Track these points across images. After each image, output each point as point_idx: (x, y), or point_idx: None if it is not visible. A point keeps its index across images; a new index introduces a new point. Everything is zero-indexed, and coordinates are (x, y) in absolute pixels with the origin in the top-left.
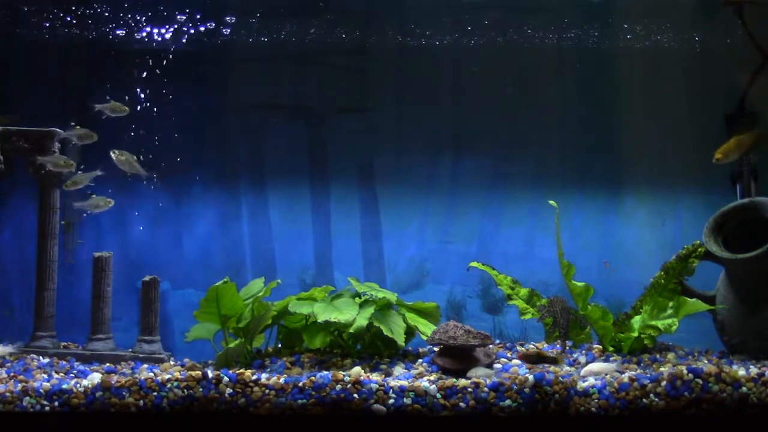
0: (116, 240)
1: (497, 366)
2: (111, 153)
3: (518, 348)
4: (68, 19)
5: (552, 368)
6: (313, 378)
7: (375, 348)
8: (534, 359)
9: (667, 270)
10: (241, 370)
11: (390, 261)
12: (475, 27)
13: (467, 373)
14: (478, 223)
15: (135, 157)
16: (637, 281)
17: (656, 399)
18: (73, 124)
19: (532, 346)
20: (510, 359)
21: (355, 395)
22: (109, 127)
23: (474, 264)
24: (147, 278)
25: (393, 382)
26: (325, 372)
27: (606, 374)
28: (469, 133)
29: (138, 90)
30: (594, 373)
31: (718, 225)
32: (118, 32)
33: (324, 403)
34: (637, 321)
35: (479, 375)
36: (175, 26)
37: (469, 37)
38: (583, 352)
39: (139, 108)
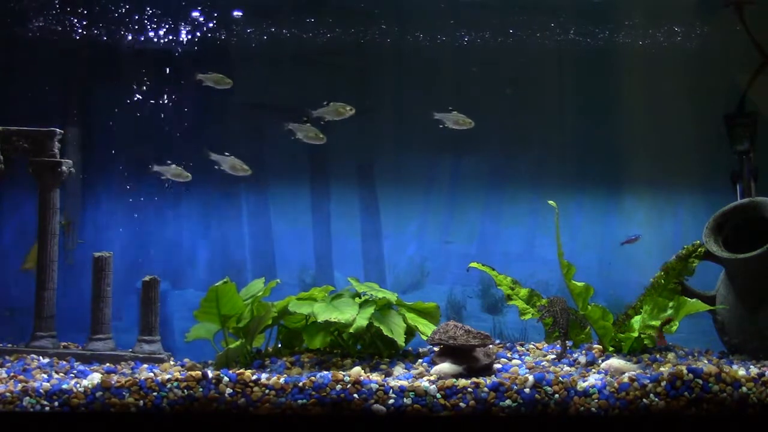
0: (116, 240)
1: (497, 366)
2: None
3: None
4: (67, 17)
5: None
6: (313, 378)
7: (375, 348)
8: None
9: (667, 270)
10: (241, 370)
11: (390, 261)
12: (476, 27)
13: (431, 370)
14: (478, 223)
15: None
16: (637, 281)
17: (656, 399)
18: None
19: (531, 345)
20: (510, 359)
21: (355, 395)
22: (109, 128)
23: (474, 264)
24: (147, 278)
25: (393, 382)
26: (325, 372)
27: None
28: (469, 132)
29: (136, 89)
30: (615, 368)
31: (718, 225)
32: (118, 32)
33: (324, 403)
34: (637, 321)
35: (442, 371)
36: (174, 25)
37: (469, 36)
38: (583, 352)
39: (138, 107)
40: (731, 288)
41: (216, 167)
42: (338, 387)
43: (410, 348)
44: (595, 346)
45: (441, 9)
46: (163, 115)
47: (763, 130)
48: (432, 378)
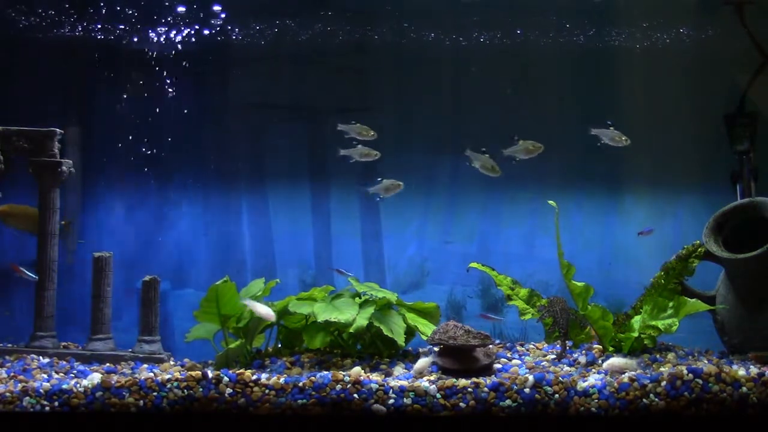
0: (116, 240)
1: (497, 366)
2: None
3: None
4: (66, 17)
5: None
6: (313, 378)
7: (375, 348)
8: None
9: (667, 270)
10: (241, 370)
11: (390, 261)
12: (476, 27)
13: (414, 367)
14: (478, 223)
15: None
16: (637, 281)
17: (656, 399)
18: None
19: (531, 345)
20: (510, 359)
21: (355, 395)
22: (110, 129)
23: (474, 265)
24: (147, 278)
25: (393, 382)
26: (325, 372)
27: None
28: (469, 133)
29: (136, 90)
30: (616, 367)
31: (718, 225)
32: (117, 31)
33: (324, 403)
34: (637, 321)
35: (417, 368)
36: (174, 25)
37: (469, 37)
38: (583, 352)
39: (138, 108)
40: (731, 288)
41: (377, 198)
42: (338, 387)
43: (410, 348)
44: (595, 346)
45: (442, 8)
46: (162, 115)
47: (763, 130)
48: (432, 378)
